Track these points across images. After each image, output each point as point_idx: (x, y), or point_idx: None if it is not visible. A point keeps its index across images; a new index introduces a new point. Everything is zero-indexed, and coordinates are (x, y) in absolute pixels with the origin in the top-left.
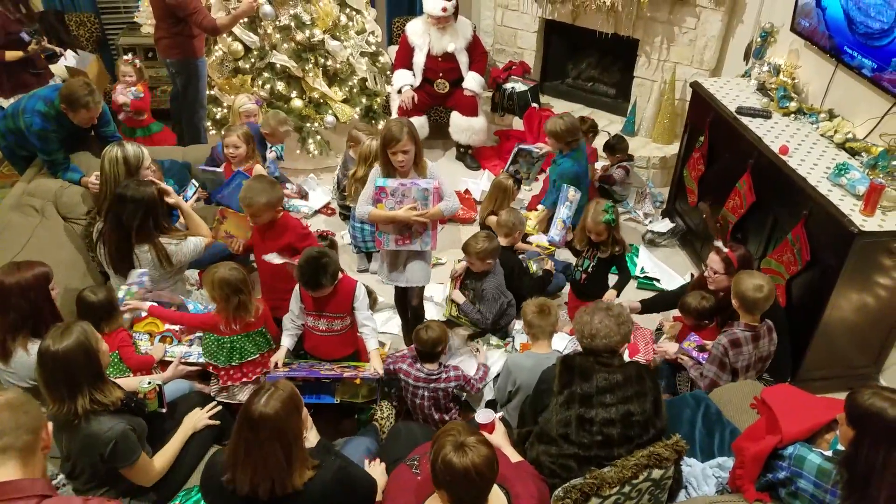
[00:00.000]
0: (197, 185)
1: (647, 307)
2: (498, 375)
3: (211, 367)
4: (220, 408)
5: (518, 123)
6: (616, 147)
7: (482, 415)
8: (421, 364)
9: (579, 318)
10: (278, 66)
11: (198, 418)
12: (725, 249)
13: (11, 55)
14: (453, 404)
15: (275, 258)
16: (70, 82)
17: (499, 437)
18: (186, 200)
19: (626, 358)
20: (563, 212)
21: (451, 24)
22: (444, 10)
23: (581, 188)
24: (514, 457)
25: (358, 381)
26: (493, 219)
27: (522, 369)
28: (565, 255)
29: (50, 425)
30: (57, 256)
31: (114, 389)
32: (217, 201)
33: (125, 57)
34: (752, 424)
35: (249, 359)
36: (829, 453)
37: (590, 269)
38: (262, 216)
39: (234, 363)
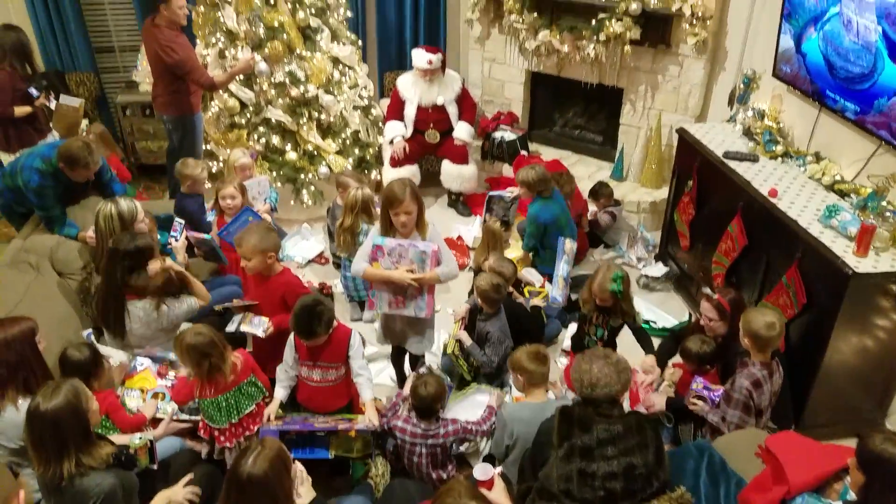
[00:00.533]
0: (182, 222)
1: (658, 358)
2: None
3: (204, 431)
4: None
5: (508, 170)
6: (599, 192)
7: (480, 470)
8: (418, 420)
9: (578, 366)
10: (273, 120)
11: (173, 494)
12: (715, 296)
13: (20, 111)
14: (450, 461)
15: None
16: (69, 142)
17: (499, 495)
18: (176, 241)
19: (627, 407)
20: (563, 268)
21: (438, 76)
22: (430, 62)
23: (560, 233)
24: None
25: (353, 434)
26: (487, 264)
27: (519, 421)
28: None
29: (22, 494)
30: (51, 312)
31: (102, 447)
32: (222, 237)
33: (88, 135)
34: (758, 475)
35: (247, 411)
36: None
37: (605, 338)
38: (250, 259)
39: (233, 420)
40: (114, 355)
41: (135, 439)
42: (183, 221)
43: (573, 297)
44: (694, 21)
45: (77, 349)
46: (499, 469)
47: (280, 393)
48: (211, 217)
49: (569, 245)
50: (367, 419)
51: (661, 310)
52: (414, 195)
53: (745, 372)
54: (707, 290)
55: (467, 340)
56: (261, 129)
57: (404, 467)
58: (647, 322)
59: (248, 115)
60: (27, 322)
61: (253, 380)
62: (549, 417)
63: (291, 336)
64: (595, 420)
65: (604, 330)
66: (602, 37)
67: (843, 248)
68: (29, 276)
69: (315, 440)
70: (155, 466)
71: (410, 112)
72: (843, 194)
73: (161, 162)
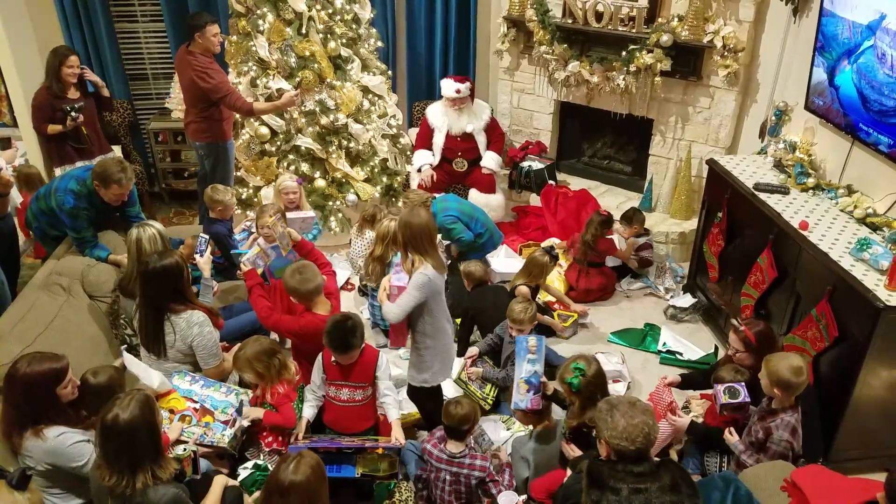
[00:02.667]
0: (207, 237)
1: (686, 383)
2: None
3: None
4: None
5: (535, 200)
6: (633, 218)
7: (505, 498)
8: (446, 445)
9: (602, 418)
10: (303, 148)
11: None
12: (742, 328)
13: (53, 129)
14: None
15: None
16: (103, 160)
17: None
18: (201, 256)
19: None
20: (526, 369)
21: (467, 105)
22: (458, 91)
23: (474, 222)
24: None
25: (380, 451)
26: (522, 289)
27: (533, 451)
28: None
29: None
30: (82, 334)
31: (171, 463)
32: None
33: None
34: None
35: None
36: None
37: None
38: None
39: None
40: (152, 377)
41: (180, 450)
42: (207, 237)
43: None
44: (725, 53)
45: (94, 373)
46: (523, 497)
47: (308, 412)
48: (240, 236)
49: (532, 342)
50: (394, 437)
51: (688, 341)
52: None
53: (780, 422)
54: (735, 322)
55: (477, 372)
56: (290, 156)
57: (430, 497)
58: (672, 353)
59: (279, 143)
60: (54, 364)
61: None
62: (576, 476)
63: (319, 357)
64: (626, 480)
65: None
66: (632, 68)
67: (874, 282)
68: (60, 299)
69: (342, 458)
70: (198, 476)
71: (439, 140)
72: (875, 228)
73: (192, 188)
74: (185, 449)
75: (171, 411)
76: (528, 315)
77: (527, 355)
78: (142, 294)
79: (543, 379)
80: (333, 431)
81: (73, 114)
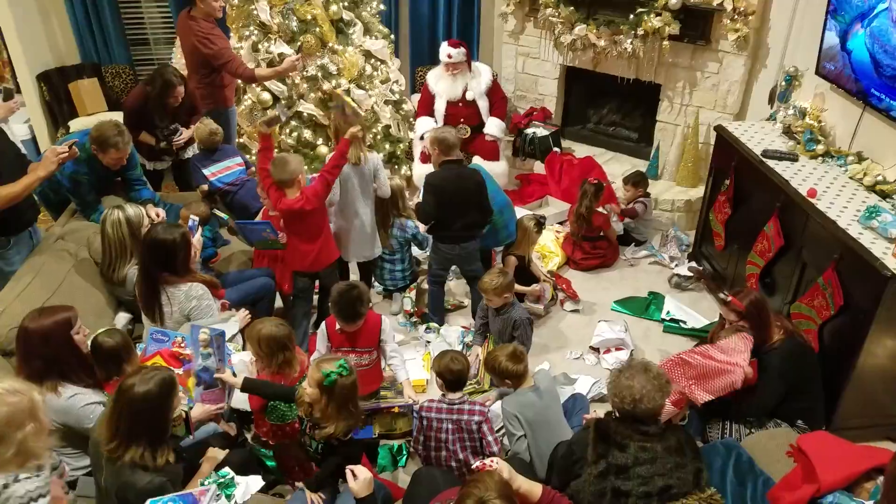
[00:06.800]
0: (197, 219)
1: None
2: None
3: (265, 430)
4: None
5: (539, 167)
6: (640, 182)
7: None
8: (444, 395)
9: (617, 381)
10: (305, 114)
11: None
12: (730, 298)
13: (145, 138)
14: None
15: None
16: (100, 124)
17: (510, 472)
18: (193, 237)
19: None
20: (197, 363)
21: (462, 70)
22: (450, 56)
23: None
24: (531, 485)
25: (396, 410)
26: (510, 259)
27: (524, 406)
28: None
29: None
30: (88, 299)
31: (165, 454)
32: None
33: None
34: (787, 473)
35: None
36: (870, 503)
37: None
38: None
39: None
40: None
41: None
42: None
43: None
44: (735, 16)
45: (108, 335)
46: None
47: None
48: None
49: (204, 335)
50: (407, 396)
51: (692, 310)
52: None
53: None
54: (721, 295)
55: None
56: (293, 122)
57: (429, 458)
58: (675, 321)
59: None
60: (64, 313)
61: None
62: (583, 431)
63: (323, 326)
64: (633, 437)
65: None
66: (640, 31)
67: (881, 251)
68: (67, 264)
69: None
70: (192, 437)
71: (440, 107)
72: (884, 195)
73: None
74: (177, 410)
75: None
76: (492, 285)
77: (199, 349)
78: (141, 265)
79: (220, 375)
80: None
81: (164, 142)
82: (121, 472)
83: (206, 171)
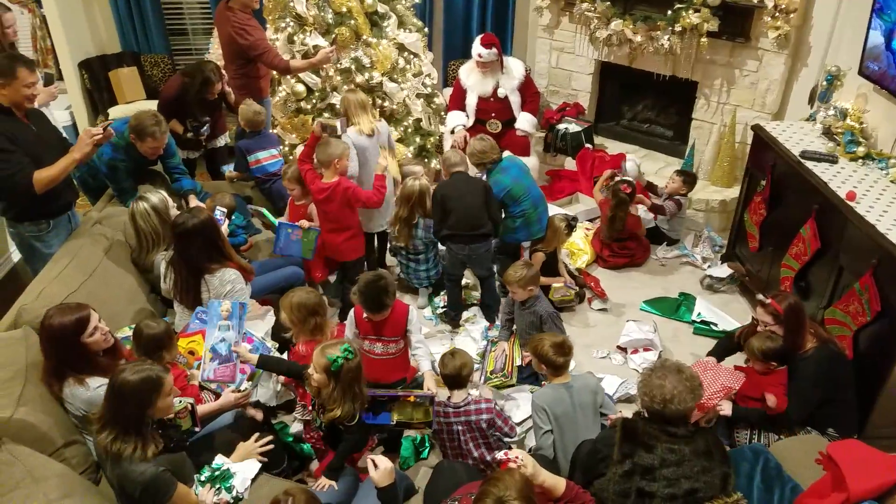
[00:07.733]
0: (225, 210)
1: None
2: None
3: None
4: (271, 445)
5: (570, 164)
6: (689, 181)
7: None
8: (450, 400)
9: (648, 380)
10: (338, 106)
11: (252, 449)
12: (769, 300)
13: (174, 126)
14: (501, 445)
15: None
16: (139, 113)
17: (534, 467)
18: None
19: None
20: (214, 336)
21: (493, 69)
22: (480, 56)
23: (517, 204)
24: (555, 480)
25: (412, 399)
26: (537, 255)
27: (554, 401)
28: None
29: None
30: (120, 285)
31: (148, 446)
32: (280, 253)
33: None
34: (816, 481)
35: None
36: None
37: None
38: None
39: None
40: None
41: (175, 403)
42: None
43: None
44: (776, 14)
45: (152, 322)
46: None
47: None
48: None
49: (226, 306)
50: (426, 387)
51: (723, 312)
52: None
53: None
54: (760, 297)
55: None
56: (325, 114)
57: (449, 451)
58: (706, 324)
59: (314, 101)
60: (76, 314)
61: None
62: (609, 429)
63: (351, 313)
64: (661, 439)
65: None
66: (678, 27)
67: None
68: (103, 248)
69: (377, 407)
70: (198, 429)
71: (472, 101)
72: None
73: (232, 144)
74: (180, 402)
75: (192, 353)
76: (516, 277)
77: (218, 321)
78: (177, 254)
79: (237, 348)
80: (367, 382)
81: (192, 133)
82: (117, 464)
83: (251, 158)
